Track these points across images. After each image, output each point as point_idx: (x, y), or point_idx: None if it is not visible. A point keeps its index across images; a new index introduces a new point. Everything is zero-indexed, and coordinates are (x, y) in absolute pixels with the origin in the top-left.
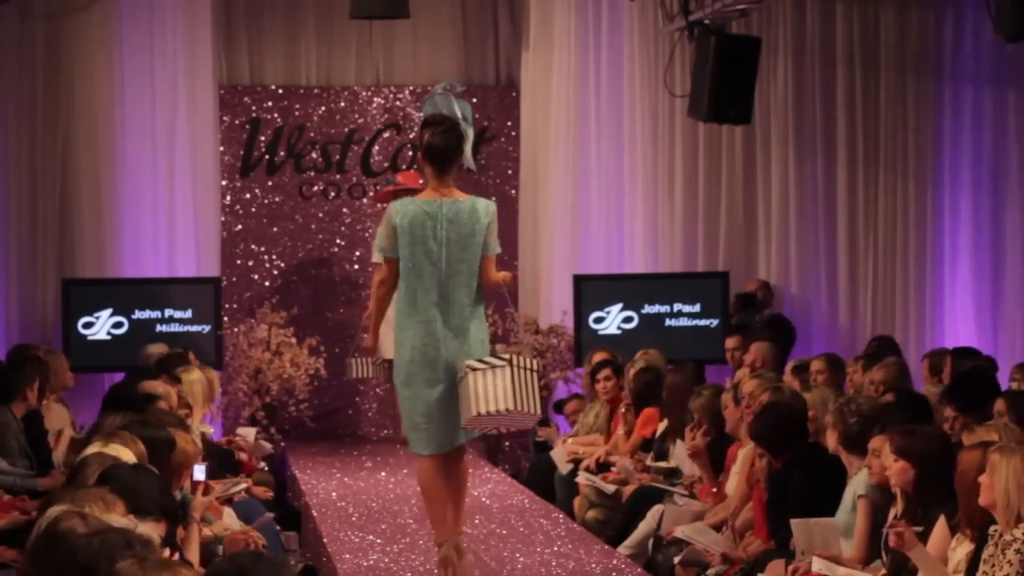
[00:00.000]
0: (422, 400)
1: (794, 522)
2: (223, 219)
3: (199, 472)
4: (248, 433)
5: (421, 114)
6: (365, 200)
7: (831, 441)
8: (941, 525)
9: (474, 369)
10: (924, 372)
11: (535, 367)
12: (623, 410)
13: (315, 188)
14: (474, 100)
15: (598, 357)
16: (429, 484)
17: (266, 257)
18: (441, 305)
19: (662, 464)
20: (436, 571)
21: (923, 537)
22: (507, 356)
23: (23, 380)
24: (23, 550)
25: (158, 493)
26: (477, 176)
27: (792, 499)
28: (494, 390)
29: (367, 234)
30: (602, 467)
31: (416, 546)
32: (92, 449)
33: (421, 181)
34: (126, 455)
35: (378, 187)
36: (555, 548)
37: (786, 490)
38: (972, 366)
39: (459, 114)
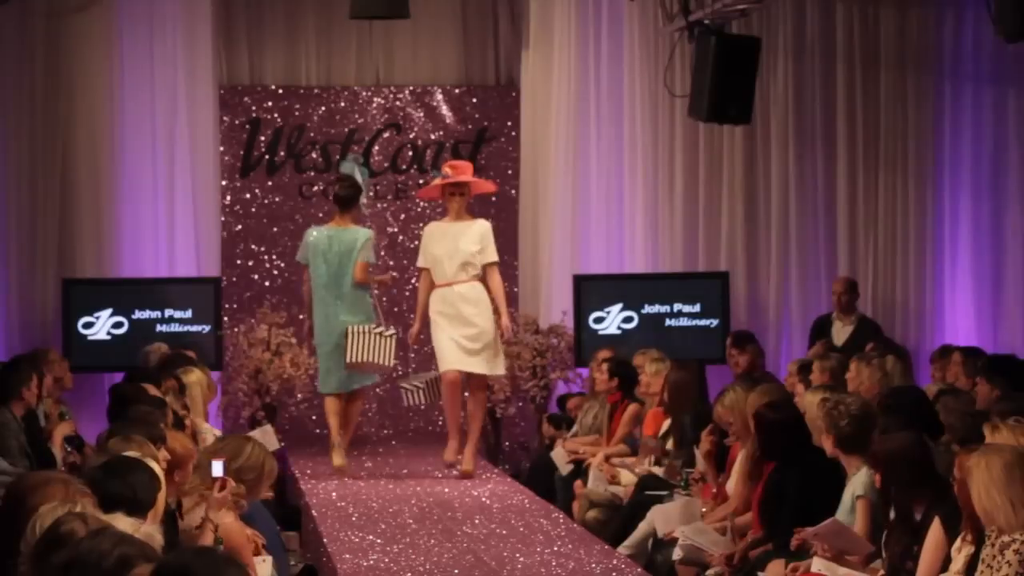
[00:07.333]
0: (325, 359)
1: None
2: (223, 219)
3: (217, 468)
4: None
5: (341, 170)
6: (364, 200)
7: (827, 444)
8: (936, 527)
9: (355, 333)
10: (932, 371)
11: (393, 333)
12: (656, 406)
13: (315, 188)
14: (474, 100)
15: (603, 355)
16: (331, 413)
17: (266, 257)
18: (335, 295)
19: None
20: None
21: (918, 538)
22: (379, 328)
23: (21, 380)
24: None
25: (156, 491)
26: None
27: (788, 501)
28: (363, 348)
29: None
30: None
31: (416, 546)
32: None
33: (472, 171)
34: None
35: (423, 182)
36: (555, 548)
37: (781, 492)
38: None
39: (359, 177)
